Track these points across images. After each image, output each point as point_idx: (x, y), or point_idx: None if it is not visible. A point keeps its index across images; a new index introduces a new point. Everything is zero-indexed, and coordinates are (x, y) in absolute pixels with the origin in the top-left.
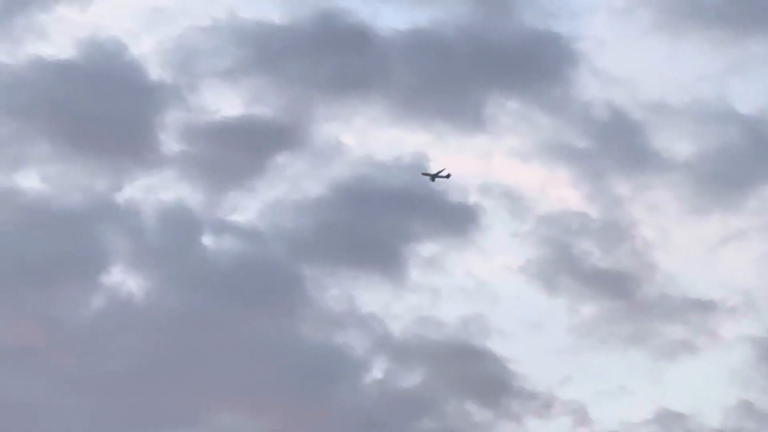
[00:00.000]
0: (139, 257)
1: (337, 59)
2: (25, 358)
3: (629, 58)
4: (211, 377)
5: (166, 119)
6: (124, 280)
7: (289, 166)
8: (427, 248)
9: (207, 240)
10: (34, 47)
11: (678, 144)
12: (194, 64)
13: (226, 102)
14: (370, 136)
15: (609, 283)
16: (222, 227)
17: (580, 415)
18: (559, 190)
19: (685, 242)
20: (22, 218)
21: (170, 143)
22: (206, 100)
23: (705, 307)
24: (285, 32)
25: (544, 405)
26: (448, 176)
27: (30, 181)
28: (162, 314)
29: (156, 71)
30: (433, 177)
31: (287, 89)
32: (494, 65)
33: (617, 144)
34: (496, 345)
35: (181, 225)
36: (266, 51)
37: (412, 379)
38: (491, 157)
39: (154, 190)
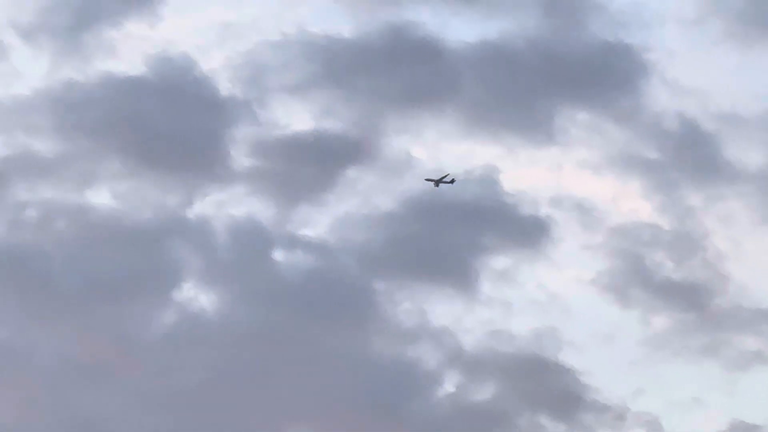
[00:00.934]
0: (210, 273)
1: (407, 72)
2: (97, 375)
3: (700, 68)
4: (282, 392)
5: (237, 134)
6: (195, 295)
7: (359, 180)
8: (498, 261)
9: (278, 255)
10: (104, 64)
11: (750, 154)
12: (264, 79)
13: (296, 116)
14: (440, 149)
15: (681, 295)
16: (293, 242)
17: (654, 427)
18: (631, 202)
19: (757, 253)
20: (94, 235)
21: (241, 158)
22: (276, 115)
23: None
24: (354, 46)
25: (617, 417)
26: (452, 181)
27: (101, 197)
28: (233, 329)
29: (226, 86)
30: (437, 182)
31: (357, 103)
32: (564, 77)
33: (689, 155)
34: (568, 357)
35: (252, 240)
36: (336, 65)
37: (484, 392)
38: (562, 169)
39: (224, 205)
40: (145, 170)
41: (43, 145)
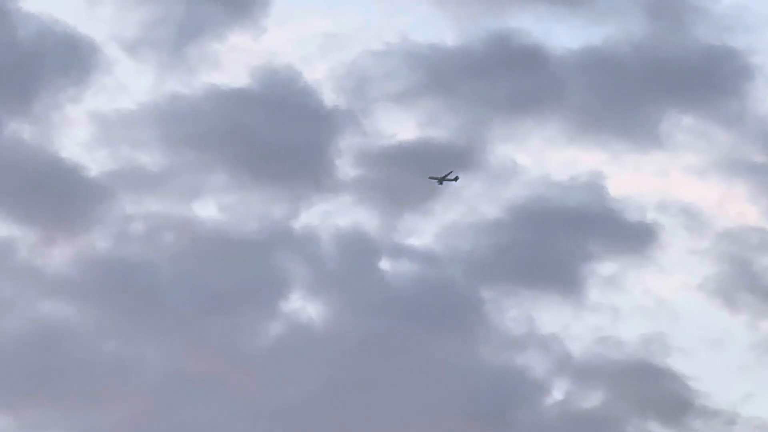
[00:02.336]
0: (317, 283)
1: (511, 80)
2: (206, 387)
3: None
4: (391, 401)
5: (342, 144)
6: (303, 306)
7: (465, 188)
8: (605, 267)
9: (384, 264)
10: (209, 76)
11: None
12: (368, 88)
13: (400, 126)
14: (545, 156)
15: None
16: (399, 251)
17: None
18: (737, 206)
19: None
20: (201, 248)
21: (346, 168)
22: (381, 125)
23: None
24: (458, 54)
25: (727, 422)
26: (456, 179)
27: (208, 210)
28: (341, 339)
29: (330, 97)
30: (441, 180)
31: (462, 111)
32: (669, 81)
33: None
34: (676, 363)
35: (359, 250)
36: (440, 73)
37: (593, 399)
38: (668, 174)
39: (330, 215)
40: (250, 182)
41: (149, 159)
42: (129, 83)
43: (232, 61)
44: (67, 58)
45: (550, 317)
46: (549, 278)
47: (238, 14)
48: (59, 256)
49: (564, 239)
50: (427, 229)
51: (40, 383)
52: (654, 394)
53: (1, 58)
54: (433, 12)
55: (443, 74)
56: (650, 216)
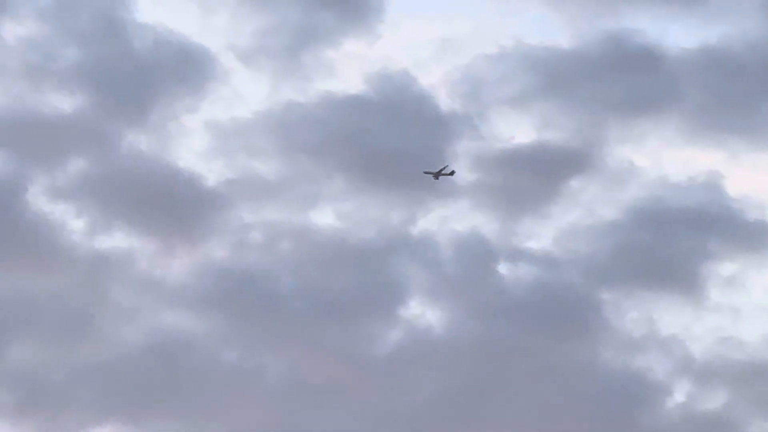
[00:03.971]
0: (436, 288)
1: (627, 81)
2: (326, 394)
3: None
4: (511, 405)
5: (458, 149)
6: (422, 312)
7: (582, 191)
8: (725, 267)
9: (503, 268)
10: (324, 84)
11: None
12: (484, 92)
13: (517, 129)
14: (663, 157)
15: None
16: (517, 255)
17: None
18: None
19: None
20: (319, 255)
21: (463, 173)
22: (497, 128)
23: None
24: (573, 56)
25: None
26: (452, 173)
27: (325, 217)
28: (461, 344)
29: (446, 102)
30: (437, 175)
31: (578, 113)
32: None
33: None
34: None
35: (477, 254)
36: (555, 76)
37: (715, 401)
38: None
39: (448, 220)
40: (367, 188)
41: (266, 167)
42: (244, 92)
43: (347, 67)
44: (183, 69)
45: (671, 318)
46: (668, 279)
47: (352, 21)
48: (178, 266)
49: (683, 239)
50: (545, 232)
51: (161, 393)
52: None
53: (118, 70)
54: (546, 14)
55: (558, 76)
56: None
